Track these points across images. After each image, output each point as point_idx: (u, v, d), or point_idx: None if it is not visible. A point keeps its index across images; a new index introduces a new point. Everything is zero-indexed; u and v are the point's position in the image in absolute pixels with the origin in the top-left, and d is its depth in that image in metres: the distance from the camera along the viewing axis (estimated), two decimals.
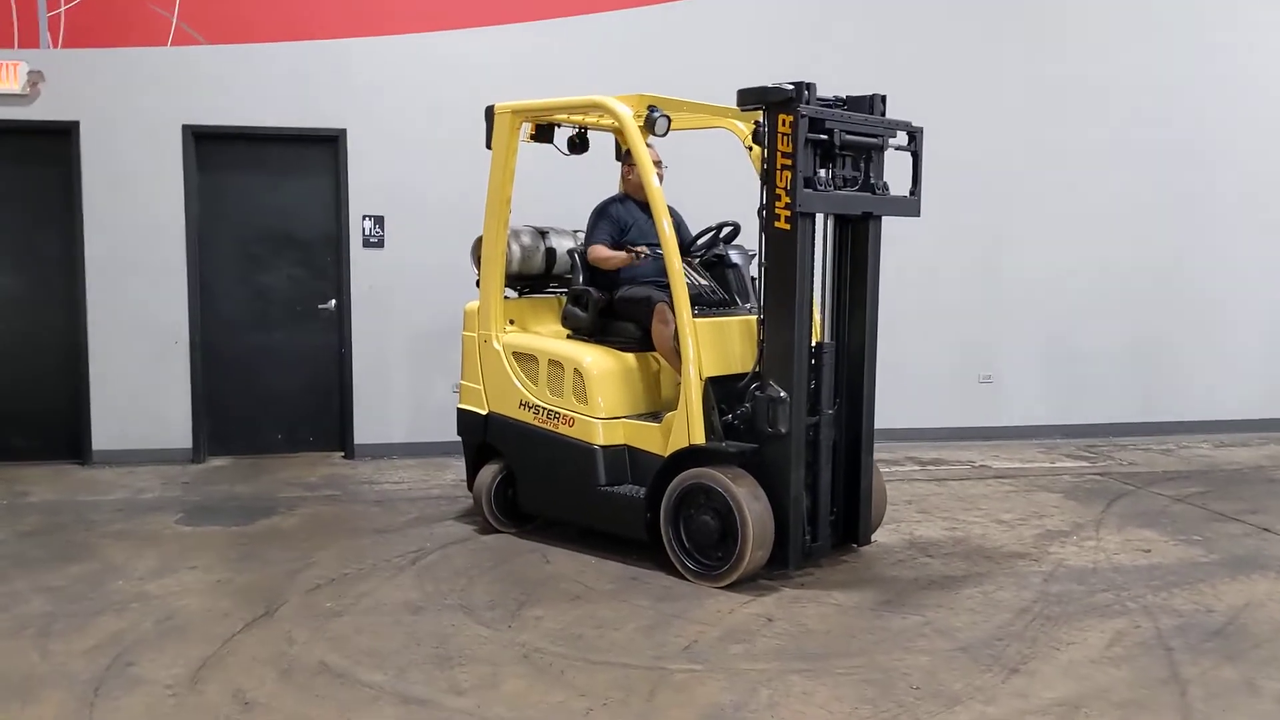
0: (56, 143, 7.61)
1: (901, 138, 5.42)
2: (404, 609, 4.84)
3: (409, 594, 5.04)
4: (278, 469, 7.75)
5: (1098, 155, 9.01)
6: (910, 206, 5.48)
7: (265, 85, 7.82)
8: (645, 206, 5.99)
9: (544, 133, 6.23)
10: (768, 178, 5.03)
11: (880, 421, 8.47)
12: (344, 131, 7.95)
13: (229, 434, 8.12)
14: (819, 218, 5.27)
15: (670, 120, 5.38)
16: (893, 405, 8.76)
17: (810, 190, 4.98)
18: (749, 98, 5.08)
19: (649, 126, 5.34)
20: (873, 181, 5.32)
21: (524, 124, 6.02)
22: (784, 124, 4.95)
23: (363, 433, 8.14)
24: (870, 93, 5.35)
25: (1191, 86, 9.11)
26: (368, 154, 7.96)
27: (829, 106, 5.17)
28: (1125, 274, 9.14)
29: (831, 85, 5.24)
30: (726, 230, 5.86)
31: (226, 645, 4.42)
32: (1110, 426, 9.20)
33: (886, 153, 5.41)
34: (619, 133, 6.35)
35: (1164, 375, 9.33)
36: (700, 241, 5.88)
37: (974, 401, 9.06)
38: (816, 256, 5.32)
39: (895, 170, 5.47)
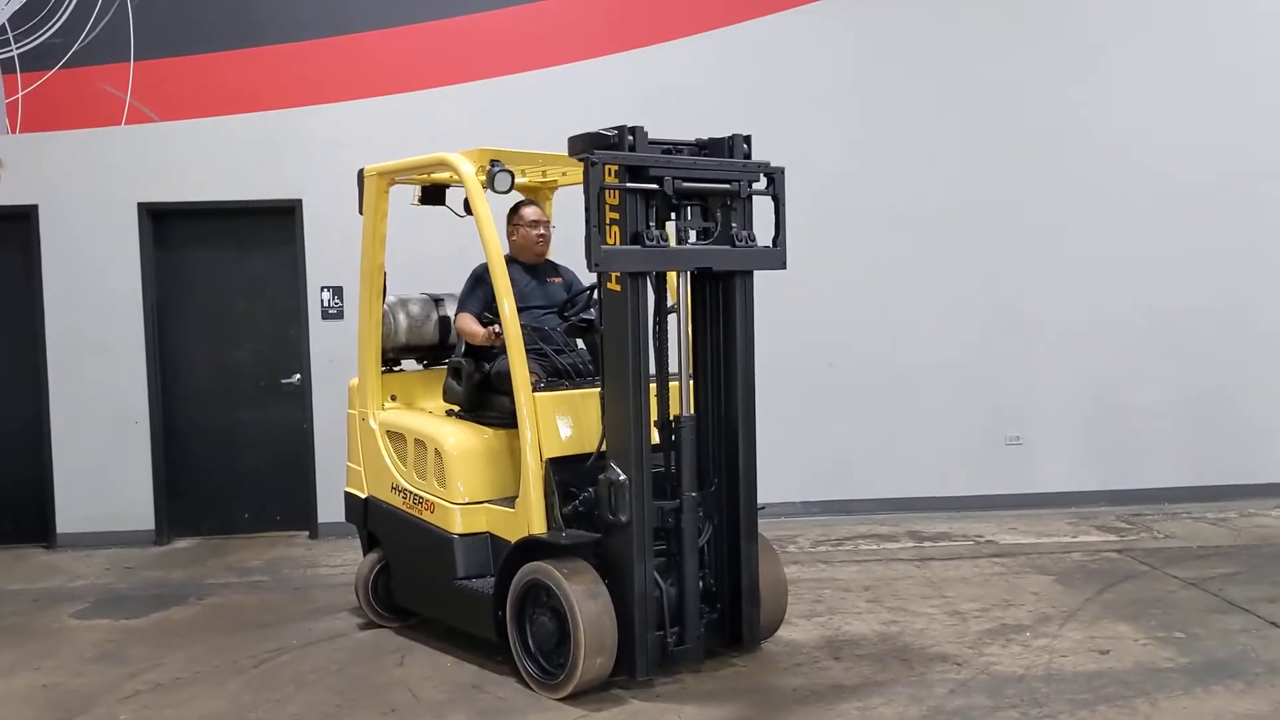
0: (16, 227, 7.64)
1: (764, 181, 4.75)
2: None
3: (218, 705, 4.60)
4: (233, 551, 7.48)
5: (1143, 183, 8.04)
6: (771, 259, 4.77)
7: (218, 159, 7.67)
8: (531, 268, 5.56)
9: (432, 195, 5.82)
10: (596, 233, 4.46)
11: (888, 491, 8.01)
12: (299, 201, 7.74)
13: (196, 514, 7.92)
14: (678, 274, 4.69)
15: (513, 176, 4.90)
16: (904, 472, 8.04)
17: (636, 246, 4.38)
18: (579, 145, 4.54)
19: (490, 183, 4.87)
20: (732, 232, 4.66)
21: (392, 187, 5.63)
22: (608, 173, 4.38)
23: (327, 511, 7.78)
24: (732, 133, 4.73)
25: (1250, 100, 8.06)
26: (324, 223, 7.69)
27: (672, 151, 4.57)
28: (1181, 317, 8.08)
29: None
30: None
31: None
32: (1165, 492, 8.07)
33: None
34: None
35: (1231, 432, 8.16)
36: (575, 306, 5.32)
37: (1002, 466, 8.10)
38: (676, 318, 4.73)
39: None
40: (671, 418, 4.68)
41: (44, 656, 5.34)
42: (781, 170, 4.73)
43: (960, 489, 8.06)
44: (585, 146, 4.48)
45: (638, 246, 4.38)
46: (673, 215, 4.60)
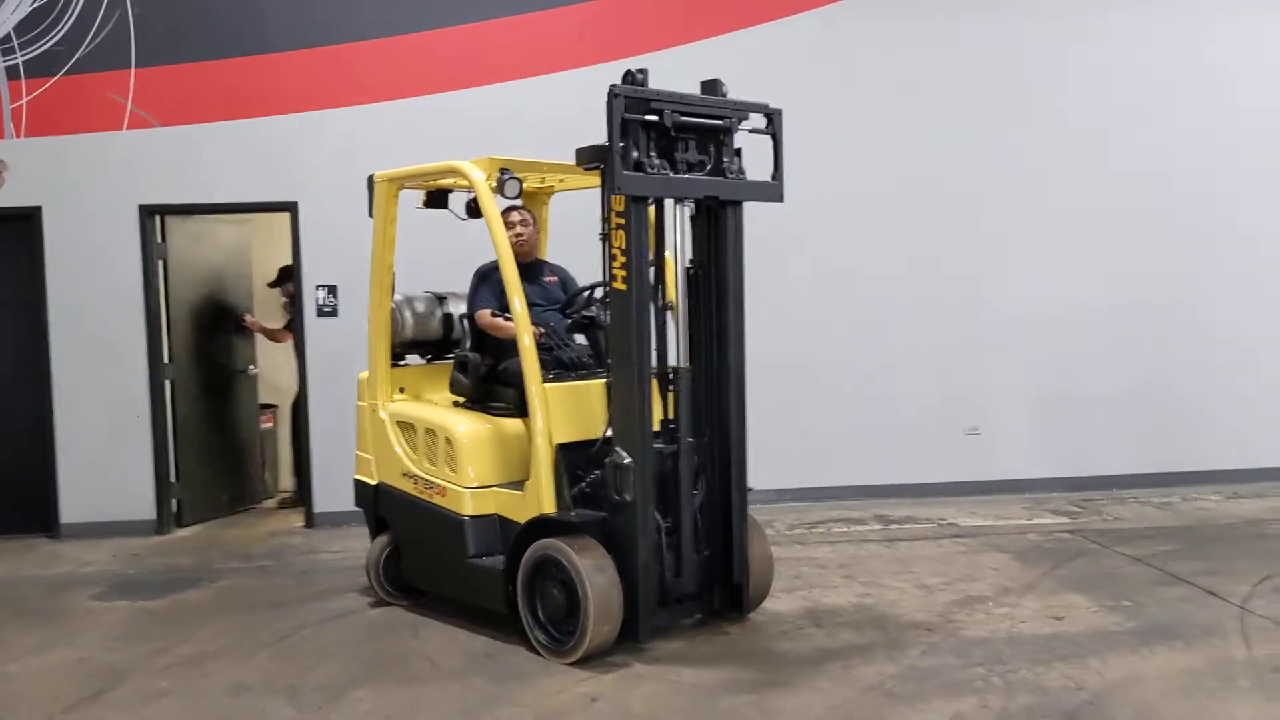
0: (21, 227, 7.90)
1: (757, 120, 5.22)
2: (230, 691, 4.76)
3: (249, 675, 4.96)
4: (233, 539, 7.81)
5: (1096, 180, 8.54)
6: (770, 191, 5.26)
7: (217, 162, 7.97)
8: (528, 269, 5.90)
9: (436, 199, 6.20)
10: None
11: (856, 478, 8.47)
12: (296, 204, 8.07)
13: (198, 502, 8.23)
14: (672, 242, 5.15)
15: (521, 183, 5.28)
16: (872, 460, 8.51)
17: (639, 173, 4.81)
18: (586, 156, 4.93)
19: (499, 189, 5.25)
20: (724, 165, 5.12)
21: (402, 191, 6.00)
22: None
23: (322, 501, 8.12)
24: (711, 78, 5.21)
25: (1208, 105, 8.65)
26: (320, 224, 8.03)
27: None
28: (1131, 312, 8.60)
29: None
30: (602, 290, 5.67)
31: None
32: (1115, 479, 8.61)
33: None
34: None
35: (1177, 422, 8.71)
36: (575, 304, 5.73)
37: (962, 454, 8.60)
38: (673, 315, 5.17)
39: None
40: (669, 369, 5.14)
41: (74, 635, 5.66)
42: (779, 111, 5.25)
43: (923, 476, 8.53)
44: (593, 157, 4.88)
45: (640, 173, 4.81)
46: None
